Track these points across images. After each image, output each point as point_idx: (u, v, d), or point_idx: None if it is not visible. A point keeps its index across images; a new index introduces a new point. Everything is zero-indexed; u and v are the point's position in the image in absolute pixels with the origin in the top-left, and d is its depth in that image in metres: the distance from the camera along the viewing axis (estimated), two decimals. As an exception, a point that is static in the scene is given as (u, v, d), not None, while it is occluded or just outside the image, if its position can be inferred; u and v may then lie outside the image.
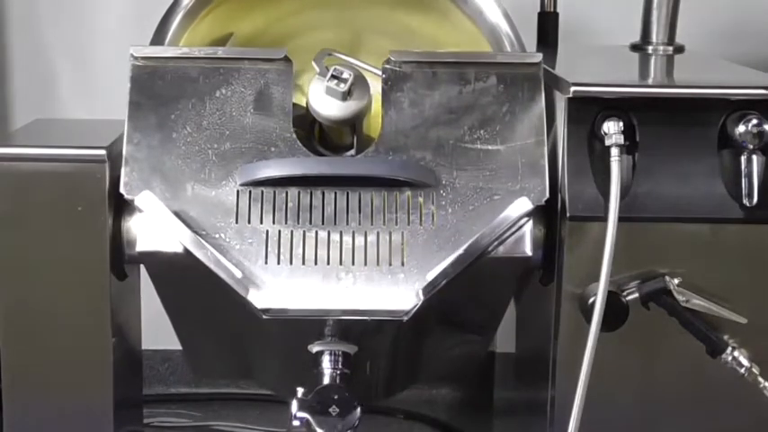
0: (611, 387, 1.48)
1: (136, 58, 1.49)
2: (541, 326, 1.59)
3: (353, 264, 1.43)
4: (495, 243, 1.44)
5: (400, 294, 1.42)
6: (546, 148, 1.47)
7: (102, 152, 1.48)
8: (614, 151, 1.43)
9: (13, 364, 1.52)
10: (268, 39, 1.68)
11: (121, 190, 1.45)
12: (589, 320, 1.41)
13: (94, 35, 2.18)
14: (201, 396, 2.30)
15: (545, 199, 1.45)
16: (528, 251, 1.46)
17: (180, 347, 1.62)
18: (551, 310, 1.51)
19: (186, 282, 1.46)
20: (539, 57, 1.51)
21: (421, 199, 1.45)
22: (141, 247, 1.45)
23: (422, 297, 1.41)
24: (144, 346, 1.81)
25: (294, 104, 1.49)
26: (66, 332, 1.51)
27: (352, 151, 1.56)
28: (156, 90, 1.48)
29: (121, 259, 1.50)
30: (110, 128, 1.55)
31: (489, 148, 1.47)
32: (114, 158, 1.47)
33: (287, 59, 1.49)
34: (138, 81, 1.48)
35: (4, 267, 1.50)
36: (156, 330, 1.83)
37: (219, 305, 1.45)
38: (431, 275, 1.42)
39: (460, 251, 1.42)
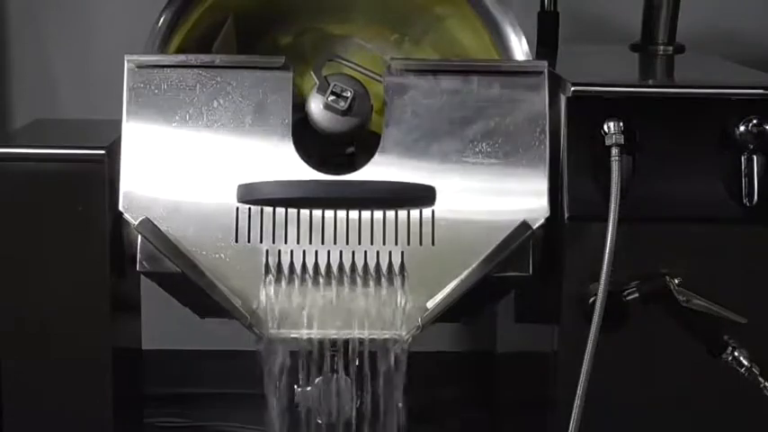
0: (611, 387, 1.48)
1: (131, 67, 1.46)
2: (541, 326, 1.59)
3: (354, 283, 1.43)
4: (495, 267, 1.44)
5: (400, 317, 1.42)
6: (548, 162, 1.46)
7: (102, 152, 1.48)
8: (614, 151, 1.42)
9: (13, 364, 1.52)
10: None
11: (120, 208, 1.44)
12: (589, 320, 1.41)
13: (95, 34, 2.18)
14: (201, 396, 2.30)
15: (545, 216, 1.45)
16: (529, 270, 1.46)
17: (180, 348, 1.63)
18: (551, 311, 1.51)
19: (187, 288, 1.46)
20: (543, 65, 1.49)
21: (421, 217, 1.45)
22: (141, 266, 1.45)
23: (421, 325, 1.42)
24: (144, 346, 1.82)
25: (296, 93, 1.47)
26: (65, 332, 1.51)
27: (353, 149, 1.55)
28: (153, 100, 1.45)
29: (121, 259, 1.50)
30: (110, 128, 1.54)
31: (491, 161, 1.46)
32: (114, 158, 1.47)
33: (286, 66, 1.46)
34: (133, 91, 1.46)
35: (3, 267, 1.50)
36: (156, 330, 1.83)
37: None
38: (430, 303, 1.42)
39: (459, 279, 1.43)
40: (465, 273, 1.43)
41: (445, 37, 1.66)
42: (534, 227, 1.44)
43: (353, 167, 1.47)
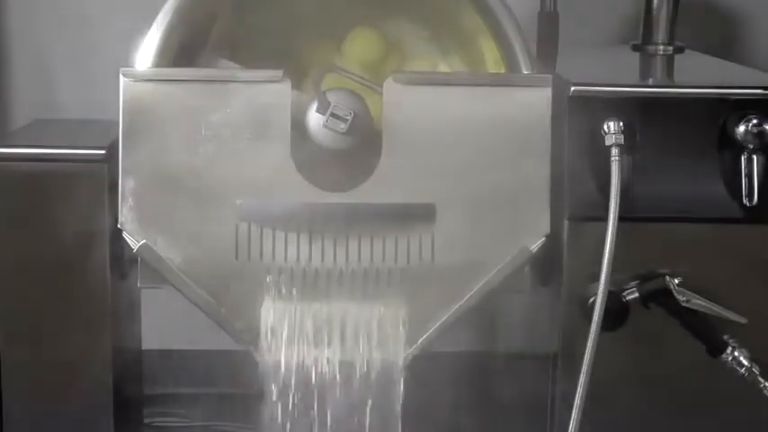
0: (611, 387, 1.48)
1: (127, 80, 1.43)
2: (542, 325, 1.59)
3: (354, 301, 1.43)
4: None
5: (400, 338, 1.42)
6: (549, 178, 1.45)
7: (103, 152, 1.48)
8: (614, 151, 1.43)
9: (13, 364, 1.52)
10: None
11: (119, 225, 1.43)
12: (589, 320, 1.41)
13: (95, 34, 2.18)
14: (201, 396, 2.30)
15: (546, 234, 1.45)
16: (525, 287, 1.47)
17: (180, 348, 1.62)
18: (552, 310, 1.51)
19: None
20: (548, 79, 1.46)
21: (420, 236, 1.44)
22: (142, 283, 1.46)
23: (419, 348, 1.43)
24: (144, 346, 1.81)
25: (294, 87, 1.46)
26: (65, 332, 1.51)
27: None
28: (150, 114, 1.42)
29: (121, 259, 1.50)
30: (110, 128, 1.54)
31: (492, 177, 1.45)
32: (114, 158, 1.47)
33: (284, 79, 1.43)
34: (129, 104, 1.43)
35: (3, 267, 1.50)
36: (156, 330, 1.83)
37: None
38: (429, 326, 1.43)
39: (457, 305, 1.43)
40: (462, 300, 1.44)
41: (444, 20, 1.64)
42: (533, 249, 1.44)
43: (354, 183, 1.45)
